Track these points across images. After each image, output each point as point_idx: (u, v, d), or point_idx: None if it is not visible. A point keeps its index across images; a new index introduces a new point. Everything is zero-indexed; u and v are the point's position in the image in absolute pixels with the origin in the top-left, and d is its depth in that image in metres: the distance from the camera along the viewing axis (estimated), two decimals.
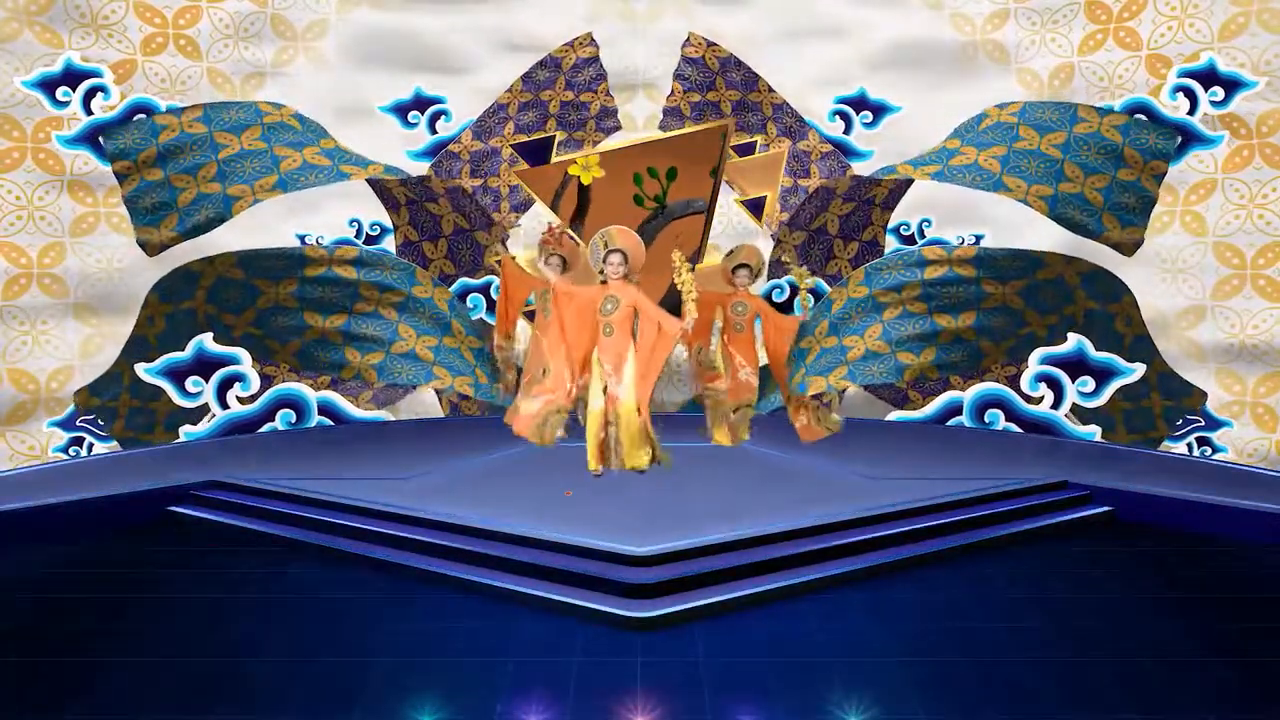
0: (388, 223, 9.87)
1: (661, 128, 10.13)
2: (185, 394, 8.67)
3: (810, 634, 4.21)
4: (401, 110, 10.11)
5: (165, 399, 8.61)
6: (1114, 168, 8.25)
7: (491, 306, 9.74)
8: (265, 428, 9.04)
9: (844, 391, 9.62)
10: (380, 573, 5.09)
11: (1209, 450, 8.53)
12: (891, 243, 9.97)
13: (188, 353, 8.66)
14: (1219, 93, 8.67)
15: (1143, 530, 5.88)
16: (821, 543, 5.13)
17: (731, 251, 7.49)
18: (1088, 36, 9.35)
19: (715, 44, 10.09)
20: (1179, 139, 8.51)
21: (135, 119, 8.72)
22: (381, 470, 6.83)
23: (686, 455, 6.84)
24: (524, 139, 9.46)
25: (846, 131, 10.21)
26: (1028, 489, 6.26)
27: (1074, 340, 8.71)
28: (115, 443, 8.51)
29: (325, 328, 8.91)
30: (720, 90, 10.18)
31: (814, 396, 9.40)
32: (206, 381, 8.75)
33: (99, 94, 8.85)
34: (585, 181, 7.42)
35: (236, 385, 8.86)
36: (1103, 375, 8.63)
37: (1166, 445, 8.57)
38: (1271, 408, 8.45)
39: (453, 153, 10.08)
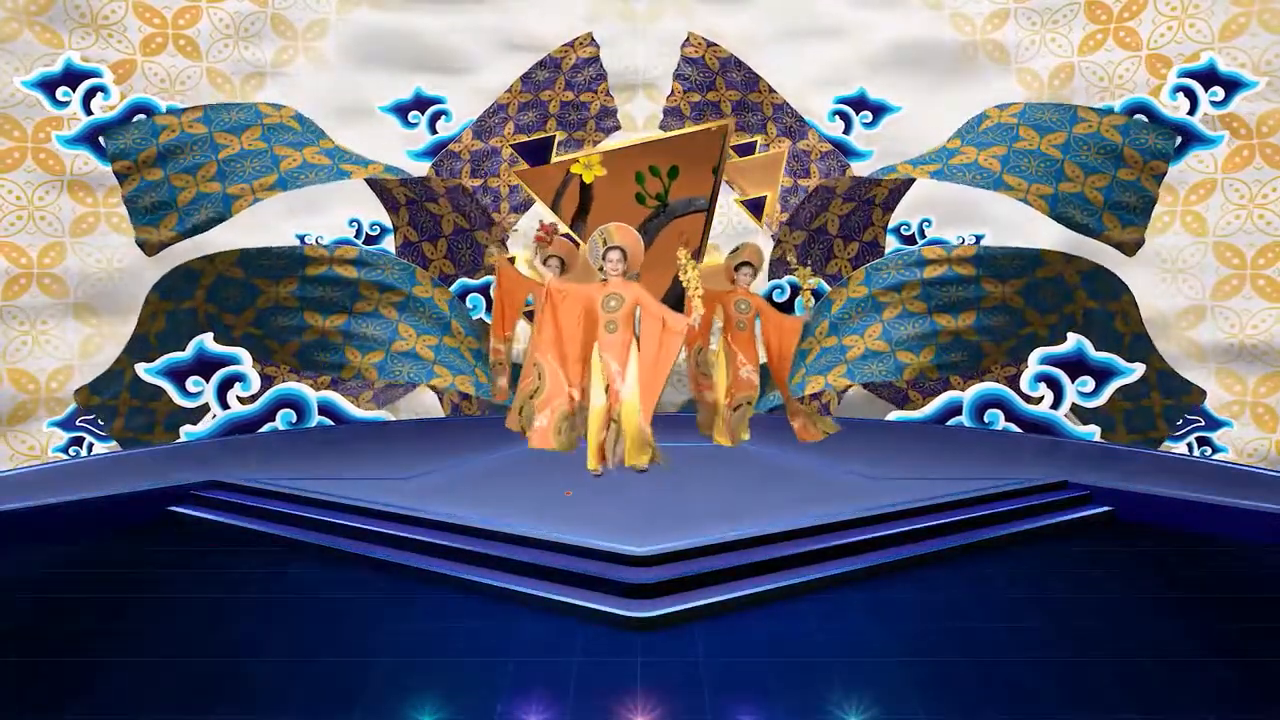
0: (388, 223, 9.87)
1: (662, 128, 10.12)
2: (185, 394, 8.68)
3: (810, 634, 4.21)
4: (401, 110, 10.10)
5: (165, 399, 8.63)
6: (1114, 167, 8.27)
7: (491, 306, 9.76)
8: (265, 428, 9.05)
9: (844, 391, 9.62)
10: (380, 573, 5.08)
11: (1209, 450, 8.53)
12: (892, 243, 9.96)
13: (188, 353, 8.68)
14: (1219, 93, 8.66)
15: (1143, 530, 5.88)
16: (821, 543, 5.12)
17: (735, 250, 7.50)
18: (1088, 36, 9.34)
19: (715, 44, 10.09)
20: (1179, 139, 8.52)
21: (135, 119, 8.73)
22: (382, 470, 6.82)
23: (686, 455, 6.84)
24: (524, 139, 9.45)
25: (846, 131, 10.20)
26: (1028, 489, 6.25)
27: (1074, 340, 8.72)
28: (115, 443, 8.51)
29: (325, 327, 8.92)
30: (720, 90, 10.18)
31: (812, 397, 9.43)
32: (207, 381, 8.77)
33: (99, 94, 8.85)
34: (587, 180, 7.43)
35: (237, 385, 8.88)
36: (1102, 375, 8.64)
37: (1166, 445, 8.57)
38: (1271, 408, 8.44)
39: (453, 152, 10.08)
